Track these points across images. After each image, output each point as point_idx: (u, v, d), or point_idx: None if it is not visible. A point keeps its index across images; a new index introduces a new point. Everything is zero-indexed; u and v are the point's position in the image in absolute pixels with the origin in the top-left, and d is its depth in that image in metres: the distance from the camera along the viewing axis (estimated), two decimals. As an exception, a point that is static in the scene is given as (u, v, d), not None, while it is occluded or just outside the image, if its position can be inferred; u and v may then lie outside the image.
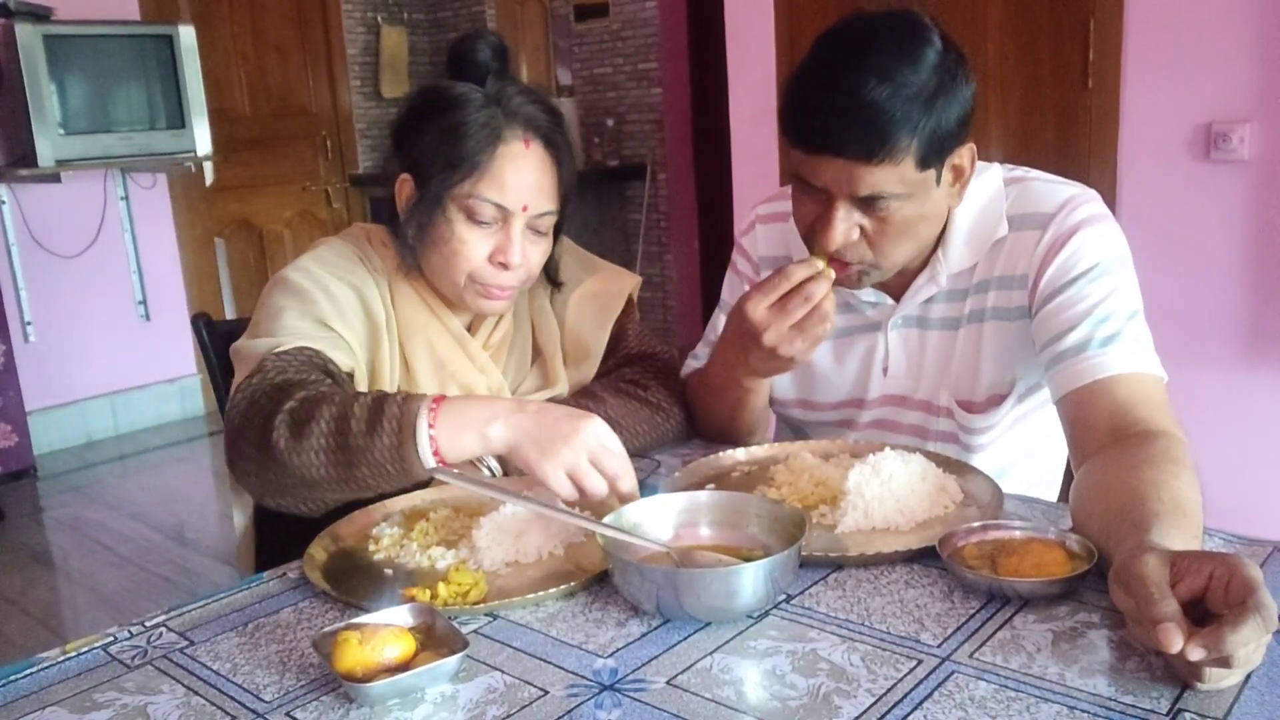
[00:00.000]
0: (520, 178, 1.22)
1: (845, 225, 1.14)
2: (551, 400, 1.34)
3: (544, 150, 1.24)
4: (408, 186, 1.26)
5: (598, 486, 1.03)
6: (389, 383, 1.27)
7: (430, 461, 1.04)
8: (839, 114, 1.08)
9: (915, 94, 1.07)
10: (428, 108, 1.24)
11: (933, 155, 1.11)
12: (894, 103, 1.06)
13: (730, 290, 1.47)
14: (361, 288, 1.27)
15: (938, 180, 1.15)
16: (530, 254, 1.26)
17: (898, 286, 1.30)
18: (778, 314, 1.15)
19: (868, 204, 1.13)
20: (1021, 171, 1.27)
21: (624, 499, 1.04)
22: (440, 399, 1.06)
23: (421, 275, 1.30)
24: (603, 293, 1.42)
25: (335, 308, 1.23)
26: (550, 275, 1.39)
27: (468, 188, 1.21)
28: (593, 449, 1.03)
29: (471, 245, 1.23)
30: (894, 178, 1.10)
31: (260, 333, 1.21)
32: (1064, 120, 2.83)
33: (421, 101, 1.26)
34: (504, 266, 1.23)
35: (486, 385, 1.32)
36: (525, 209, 1.22)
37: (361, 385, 1.26)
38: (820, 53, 1.12)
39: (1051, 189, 1.23)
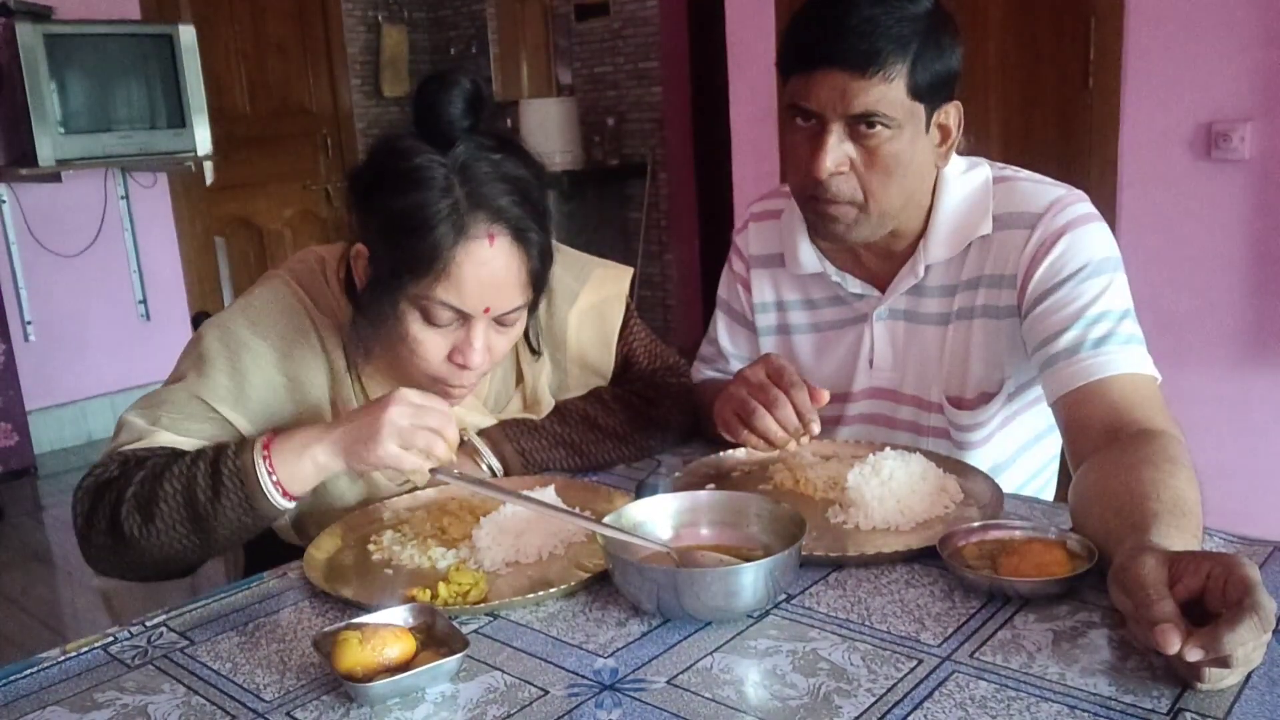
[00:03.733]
0: (482, 279, 1.08)
1: (837, 153, 1.15)
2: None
3: (511, 243, 1.09)
4: (362, 261, 1.13)
5: (430, 444, 1.03)
6: None
7: (279, 499, 1.05)
8: (836, 27, 1.12)
9: (911, 18, 1.12)
10: (384, 176, 1.09)
11: (924, 90, 1.14)
12: (889, 18, 1.11)
13: (726, 288, 1.48)
14: (294, 347, 1.19)
15: (926, 127, 1.17)
16: (495, 345, 1.14)
17: (883, 277, 1.30)
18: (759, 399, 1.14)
19: (859, 130, 1.14)
20: (1010, 171, 1.28)
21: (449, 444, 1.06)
22: (269, 441, 1.06)
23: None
24: (599, 302, 1.36)
25: (236, 383, 1.16)
26: (531, 343, 1.30)
27: (423, 288, 1.08)
28: (409, 415, 1.03)
29: (428, 345, 1.12)
30: (886, 98, 1.12)
31: (150, 401, 1.16)
32: (1064, 120, 2.83)
33: (380, 165, 1.10)
34: (463, 367, 1.13)
35: (464, 414, 1.26)
36: (487, 310, 1.10)
37: None
38: None
39: (1039, 189, 1.23)
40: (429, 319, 1.10)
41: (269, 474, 1.04)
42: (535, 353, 1.31)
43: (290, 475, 1.05)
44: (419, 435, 1.03)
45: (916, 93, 1.13)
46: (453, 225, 1.06)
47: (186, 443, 1.13)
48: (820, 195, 1.18)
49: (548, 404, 1.34)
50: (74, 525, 1.11)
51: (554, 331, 1.34)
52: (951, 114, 1.19)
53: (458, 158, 1.08)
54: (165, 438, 1.13)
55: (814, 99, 1.14)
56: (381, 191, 1.09)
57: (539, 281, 1.15)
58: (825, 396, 1.14)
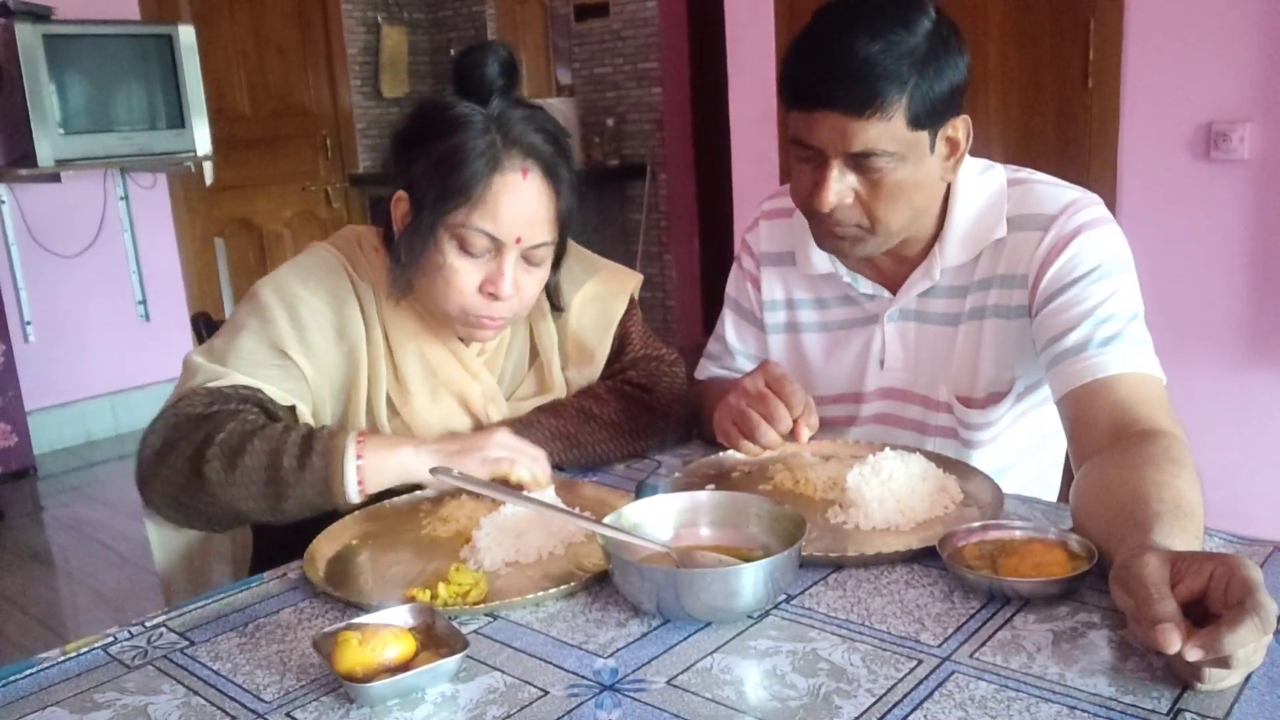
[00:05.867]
0: (515, 208, 1.17)
1: (839, 186, 1.16)
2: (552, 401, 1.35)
3: (542, 180, 1.19)
4: (403, 205, 1.22)
5: (519, 472, 1.12)
6: (379, 393, 1.26)
7: (354, 492, 1.10)
8: (831, 68, 1.11)
9: (906, 52, 1.10)
10: (428, 126, 1.20)
11: (925, 117, 1.13)
12: (885, 58, 1.10)
13: (735, 286, 1.48)
14: (341, 302, 1.25)
15: (931, 148, 1.16)
16: (523, 284, 1.22)
17: (895, 279, 1.30)
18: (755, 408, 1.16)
19: (861, 163, 1.14)
20: (1026, 173, 1.28)
21: (537, 483, 1.13)
22: (365, 434, 1.13)
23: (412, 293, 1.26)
24: (604, 294, 1.40)
25: (298, 331, 1.22)
26: (553, 300, 1.35)
27: (461, 217, 1.16)
28: (507, 446, 1.13)
29: (462, 274, 1.19)
30: (886, 134, 1.12)
31: (214, 350, 1.21)
32: (1064, 120, 2.83)
33: (422, 118, 1.21)
34: (494, 297, 1.20)
35: (480, 391, 1.30)
36: (519, 240, 1.18)
37: (326, 409, 1.25)
38: (817, 17, 1.16)
39: (1054, 192, 1.24)
40: (465, 247, 1.18)
41: (356, 459, 1.09)
42: (557, 309, 1.36)
43: (375, 467, 1.10)
44: (504, 461, 1.12)
45: (917, 123, 1.13)
46: (490, 158, 1.16)
47: (259, 385, 1.19)
48: (825, 221, 1.19)
49: (560, 384, 1.36)
50: (139, 455, 1.15)
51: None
52: (959, 127, 1.19)
53: (494, 108, 1.19)
54: (239, 378, 1.18)
55: (814, 137, 1.15)
56: (425, 138, 1.19)
57: (566, 224, 1.24)
58: (815, 425, 1.15)
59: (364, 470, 1.09)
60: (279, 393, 1.20)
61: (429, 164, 1.17)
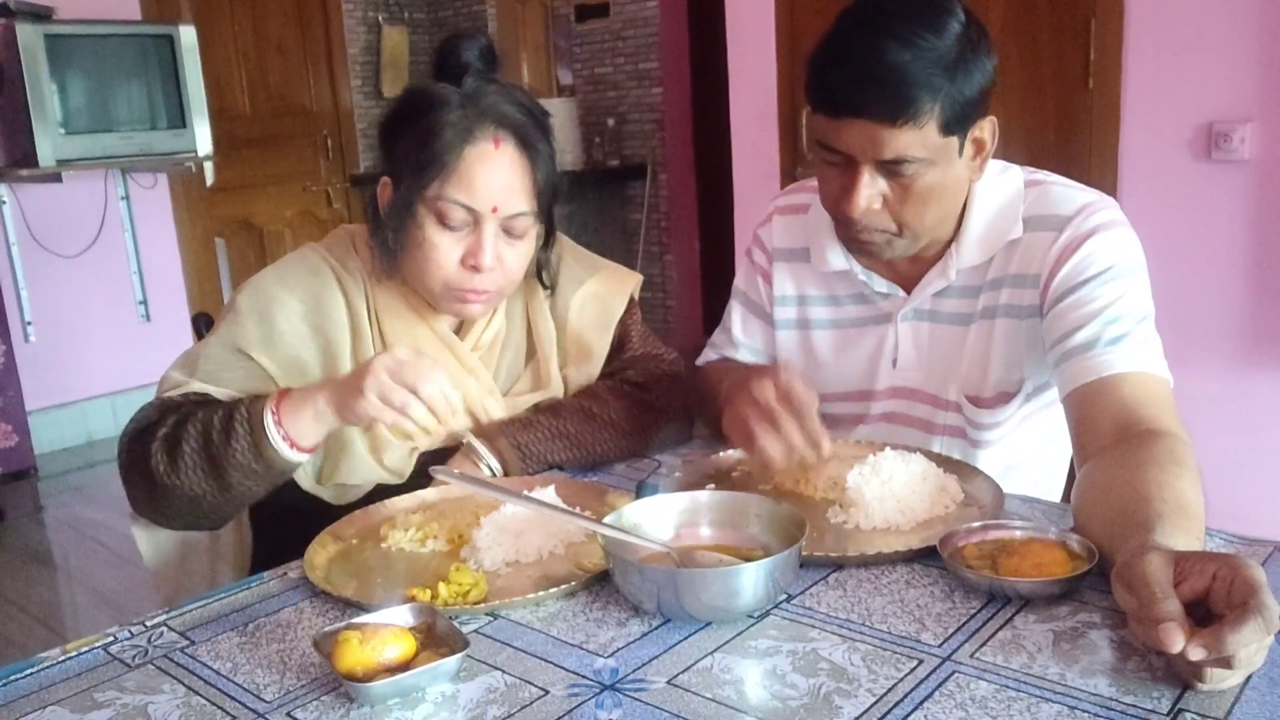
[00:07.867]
0: (490, 178, 1.18)
1: (869, 191, 1.15)
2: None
3: (516, 150, 1.20)
4: (387, 190, 1.24)
5: (405, 402, 1.07)
6: None
7: (285, 449, 1.12)
8: (862, 76, 1.10)
9: (937, 59, 1.09)
10: (406, 110, 1.22)
11: (955, 122, 1.12)
12: (916, 66, 1.08)
13: (744, 279, 1.48)
14: (318, 300, 1.26)
15: (960, 150, 1.16)
16: (506, 257, 1.22)
17: (910, 278, 1.30)
18: (769, 421, 1.10)
19: (891, 169, 1.14)
20: (1043, 175, 1.28)
21: (438, 416, 1.09)
22: (282, 393, 1.14)
23: (403, 279, 1.28)
24: (604, 293, 1.41)
25: (265, 332, 1.24)
26: (543, 280, 1.36)
27: (436, 189, 1.18)
28: (390, 368, 1.08)
29: (443, 249, 1.20)
30: (917, 141, 1.11)
31: (187, 358, 1.25)
32: (1065, 120, 2.83)
33: (402, 104, 1.24)
34: (475, 270, 1.21)
35: (476, 388, 1.30)
36: (495, 210, 1.19)
37: None
38: (844, 21, 1.14)
39: (1071, 194, 1.24)
40: (443, 221, 1.19)
41: (275, 422, 1.11)
42: (547, 289, 1.37)
43: (293, 423, 1.12)
44: (396, 393, 1.07)
45: (948, 129, 1.12)
46: (463, 129, 1.18)
47: (220, 391, 1.21)
48: (853, 226, 1.19)
49: (557, 381, 1.36)
50: (119, 471, 1.19)
51: (557, 310, 1.38)
52: (986, 127, 1.18)
53: (469, 86, 1.21)
54: (199, 386, 1.21)
55: (842, 144, 1.14)
56: (403, 121, 1.22)
57: (545, 195, 1.24)
58: (827, 446, 1.09)
59: (287, 431, 1.11)
60: (235, 394, 1.20)
61: (406, 143, 1.20)
